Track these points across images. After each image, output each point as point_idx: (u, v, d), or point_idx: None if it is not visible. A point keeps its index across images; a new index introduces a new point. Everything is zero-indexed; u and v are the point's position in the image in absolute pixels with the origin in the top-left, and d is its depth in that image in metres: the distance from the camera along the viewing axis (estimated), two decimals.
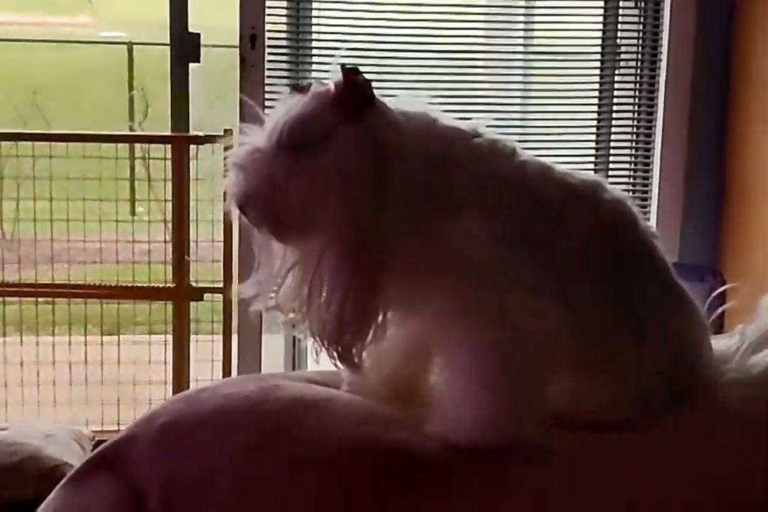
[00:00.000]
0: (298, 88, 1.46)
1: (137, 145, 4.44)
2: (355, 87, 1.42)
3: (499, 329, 1.43)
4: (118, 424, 3.61)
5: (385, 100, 1.45)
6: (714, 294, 1.89)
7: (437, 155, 1.45)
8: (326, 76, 1.45)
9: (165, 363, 3.59)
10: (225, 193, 1.46)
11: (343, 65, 1.42)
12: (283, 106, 1.45)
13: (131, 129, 6.43)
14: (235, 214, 1.46)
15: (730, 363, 1.66)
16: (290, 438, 1.43)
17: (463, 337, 1.45)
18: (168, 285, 3.56)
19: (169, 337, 3.59)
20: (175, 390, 3.52)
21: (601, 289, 1.53)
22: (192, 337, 3.61)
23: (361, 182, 1.40)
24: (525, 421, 1.46)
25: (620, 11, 3.73)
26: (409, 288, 1.45)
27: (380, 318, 1.45)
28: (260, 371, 3.52)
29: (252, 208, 1.43)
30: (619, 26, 3.74)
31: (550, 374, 1.49)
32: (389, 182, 1.40)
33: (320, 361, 1.47)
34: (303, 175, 1.40)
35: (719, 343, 1.71)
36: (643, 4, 3.72)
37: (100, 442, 2.89)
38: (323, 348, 1.45)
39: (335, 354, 1.44)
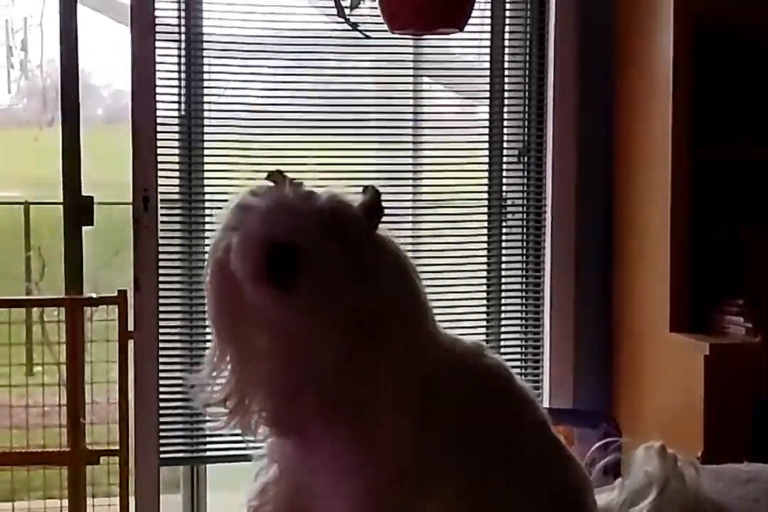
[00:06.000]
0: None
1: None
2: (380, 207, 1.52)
3: (372, 475, 1.47)
4: None
5: None
6: (607, 440, 1.94)
7: None
8: None
9: None
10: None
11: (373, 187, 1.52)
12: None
13: (28, 289, 6.40)
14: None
15: None
16: None
17: (340, 481, 1.48)
18: (63, 449, 3.52)
19: (66, 502, 3.53)
20: None
21: (482, 442, 1.58)
22: (89, 501, 3.56)
23: None
24: None
25: (504, 166, 3.86)
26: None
27: None
28: None
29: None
30: (504, 180, 3.86)
31: None
32: None
33: None
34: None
35: (602, 497, 1.75)
36: (526, 158, 3.85)
37: None
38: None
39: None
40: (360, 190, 1.54)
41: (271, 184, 1.51)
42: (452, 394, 1.57)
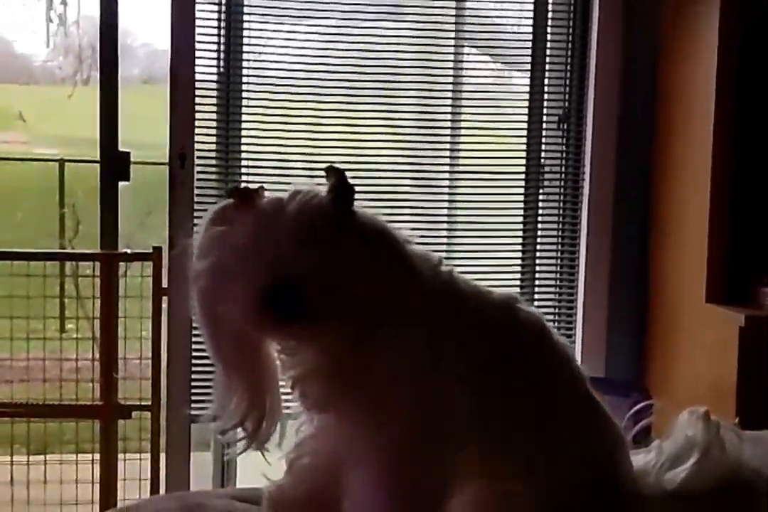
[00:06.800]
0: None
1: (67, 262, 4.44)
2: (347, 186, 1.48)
3: (404, 443, 1.46)
4: None
5: None
6: (638, 408, 1.92)
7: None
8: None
9: (92, 482, 3.54)
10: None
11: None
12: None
13: (62, 246, 6.41)
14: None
15: (648, 478, 1.69)
16: None
17: (372, 448, 1.48)
18: (96, 402, 3.53)
19: (97, 456, 3.54)
20: (102, 511, 3.47)
21: (516, 399, 1.56)
22: (120, 455, 3.57)
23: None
24: None
25: (543, 133, 3.83)
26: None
27: None
28: (189, 489, 3.50)
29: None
30: (543, 146, 3.84)
31: (453, 487, 1.52)
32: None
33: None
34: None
35: (638, 459, 1.73)
36: (565, 125, 3.82)
37: None
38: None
39: None
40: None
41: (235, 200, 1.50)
42: (482, 350, 1.55)
